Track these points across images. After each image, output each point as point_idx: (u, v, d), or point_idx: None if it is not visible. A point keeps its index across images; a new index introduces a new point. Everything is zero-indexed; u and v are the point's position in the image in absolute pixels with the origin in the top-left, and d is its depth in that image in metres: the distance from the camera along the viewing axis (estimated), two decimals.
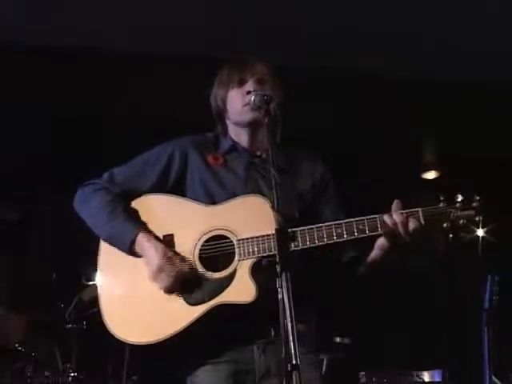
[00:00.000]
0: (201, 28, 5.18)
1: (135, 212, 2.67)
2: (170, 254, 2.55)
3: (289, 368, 2.04)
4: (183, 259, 2.55)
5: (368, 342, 5.32)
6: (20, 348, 4.40)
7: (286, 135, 2.62)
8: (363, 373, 4.79)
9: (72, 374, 4.33)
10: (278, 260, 2.17)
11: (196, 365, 2.59)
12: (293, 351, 2.04)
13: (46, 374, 4.33)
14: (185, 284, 2.53)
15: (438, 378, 4.77)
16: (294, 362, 2.04)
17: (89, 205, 2.69)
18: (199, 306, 2.50)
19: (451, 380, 4.78)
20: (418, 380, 4.76)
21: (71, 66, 5.36)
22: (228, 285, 2.49)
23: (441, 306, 5.98)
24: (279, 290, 2.10)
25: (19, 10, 4.97)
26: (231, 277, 2.50)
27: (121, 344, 2.58)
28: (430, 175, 6.56)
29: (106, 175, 2.74)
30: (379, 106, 5.82)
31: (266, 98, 2.52)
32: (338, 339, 4.72)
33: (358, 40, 5.32)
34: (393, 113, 5.87)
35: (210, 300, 2.49)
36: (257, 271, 2.49)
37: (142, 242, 2.57)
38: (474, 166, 6.06)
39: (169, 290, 2.54)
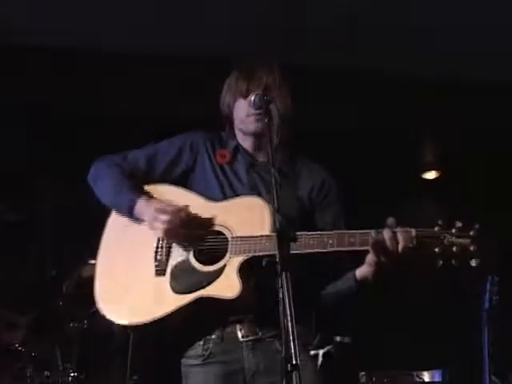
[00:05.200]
0: (201, 28, 5.17)
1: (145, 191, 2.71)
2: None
3: (289, 368, 2.03)
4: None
5: (368, 341, 5.31)
6: (20, 348, 4.40)
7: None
8: (363, 373, 4.78)
9: (72, 374, 4.33)
10: (278, 260, 2.17)
11: (185, 363, 2.63)
12: (293, 351, 2.04)
13: (46, 374, 4.32)
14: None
15: (437, 378, 4.76)
16: (293, 361, 2.03)
17: (100, 179, 2.73)
18: (183, 296, 2.53)
19: (451, 380, 4.77)
20: (418, 380, 4.75)
21: (71, 66, 5.36)
22: (215, 279, 2.51)
23: (441, 306, 5.97)
24: (279, 289, 2.10)
25: (19, 10, 4.97)
26: (219, 272, 2.52)
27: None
28: (430, 175, 6.55)
29: (120, 155, 2.79)
30: (379, 106, 5.82)
31: (265, 98, 2.54)
32: (338, 338, 4.70)
33: (358, 40, 5.32)
34: (393, 113, 5.87)
35: (195, 291, 2.52)
36: (246, 270, 2.50)
37: (143, 202, 2.61)
38: (474, 165, 6.07)
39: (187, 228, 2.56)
